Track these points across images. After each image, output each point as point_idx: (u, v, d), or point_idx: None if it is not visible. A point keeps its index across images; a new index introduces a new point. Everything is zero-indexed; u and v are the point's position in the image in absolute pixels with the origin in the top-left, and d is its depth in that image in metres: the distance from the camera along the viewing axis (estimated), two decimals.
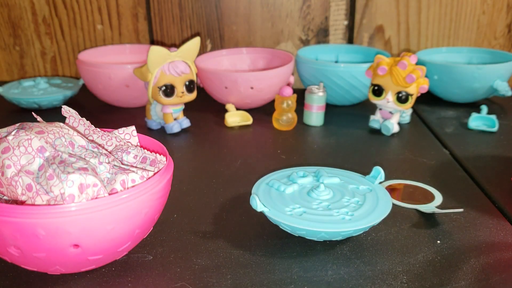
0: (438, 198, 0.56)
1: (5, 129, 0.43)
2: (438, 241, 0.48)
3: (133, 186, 0.41)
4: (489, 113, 0.82)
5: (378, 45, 1.01)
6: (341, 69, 0.82)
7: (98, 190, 0.38)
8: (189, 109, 0.83)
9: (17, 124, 0.44)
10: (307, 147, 0.72)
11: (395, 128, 0.75)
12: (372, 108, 0.82)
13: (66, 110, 0.48)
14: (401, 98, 0.72)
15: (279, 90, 0.78)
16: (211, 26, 1.00)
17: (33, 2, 0.99)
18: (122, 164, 0.44)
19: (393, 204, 0.54)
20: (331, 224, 0.44)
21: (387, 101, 0.73)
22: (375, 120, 0.77)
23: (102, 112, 0.86)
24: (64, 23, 1.01)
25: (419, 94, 0.74)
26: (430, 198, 0.57)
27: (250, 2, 0.98)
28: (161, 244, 0.48)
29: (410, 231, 0.50)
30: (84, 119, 0.48)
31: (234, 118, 0.81)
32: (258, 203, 0.46)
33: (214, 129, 0.79)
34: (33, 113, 0.49)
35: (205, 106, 0.89)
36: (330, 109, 0.86)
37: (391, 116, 0.76)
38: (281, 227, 0.47)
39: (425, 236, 0.49)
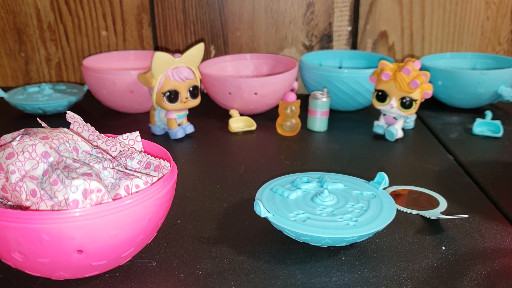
0: (443, 204, 0.56)
1: (9, 135, 0.43)
2: (443, 247, 0.48)
3: (137, 192, 0.41)
4: (493, 118, 0.82)
5: (381, 51, 1.01)
6: (345, 75, 0.82)
7: (102, 195, 0.38)
8: (193, 115, 0.83)
9: (22, 130, 0.44)
10: (310, 153, 0.72)
11: (399, 134, 0.75)
12: (376, 114, 0.82)
13: (71, 116, 0.48)
14: (405, 104, 0.72)
15: (283, 96, 0.78)
16: (215, 32, 1.01)
17: (38, 9, 1.00)
18: (126, 169, 0.44)
19: (398, 210, 0.54)
20: (335, 230, 0.44)
21: (391, 106, 0.73)
22: (379, 126, 0.77)
23: (106, 118, 0.87)
24: (69, 29, 1.01)
25: (423, 100, 0.74)
26: (434, 204, 0.56)
27: (254, 8, 0.99)
28: (164, 250, 0.48)
29: (415, 237, 0.50)
30: (88, 124, 0.48)
31: (238, 123, 0.81)
32: (262, 209, 0.46)
33: (218, 135, 0.79)
34: (37, 118, 0.49)
35: (209, 111, 0.89)
36: (334, 114, 0.86)
37: (395, 122, 0.76)
38: (285, 233, 0.47)
39: (429, 242, 0.49)
